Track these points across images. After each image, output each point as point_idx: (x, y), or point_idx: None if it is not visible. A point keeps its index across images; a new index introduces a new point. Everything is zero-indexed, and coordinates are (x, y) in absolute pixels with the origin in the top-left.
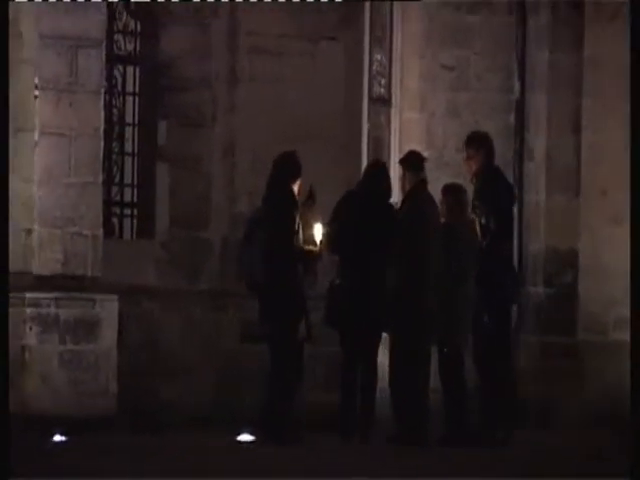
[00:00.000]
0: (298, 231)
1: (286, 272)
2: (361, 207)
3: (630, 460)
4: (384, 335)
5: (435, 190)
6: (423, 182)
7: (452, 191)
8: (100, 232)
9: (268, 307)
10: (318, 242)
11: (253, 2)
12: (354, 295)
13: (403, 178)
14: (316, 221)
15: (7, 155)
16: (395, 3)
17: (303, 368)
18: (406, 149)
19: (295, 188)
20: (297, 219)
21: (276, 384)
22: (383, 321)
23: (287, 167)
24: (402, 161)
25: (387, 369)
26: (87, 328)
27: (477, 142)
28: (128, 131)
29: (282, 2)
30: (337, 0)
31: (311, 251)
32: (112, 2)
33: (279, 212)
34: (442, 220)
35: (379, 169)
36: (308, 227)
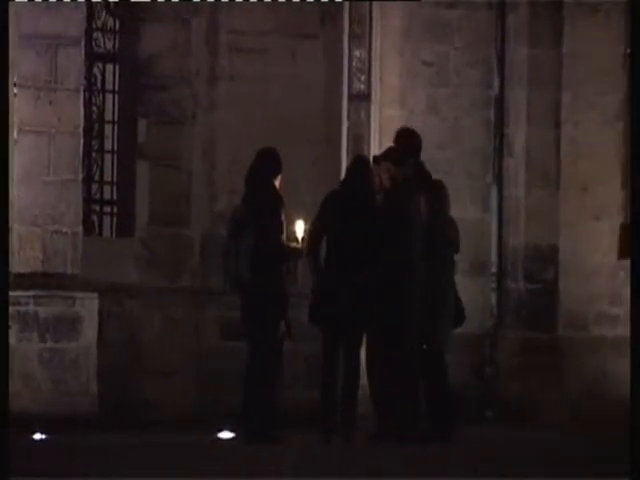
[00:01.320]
0: (283, 228)
1: (272, 270)
2: (345, 206)
3: (630, 460)
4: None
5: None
6: (405, 179)
7: (432, 188)
8: (80, 230)
9: (252, 305)
10: (300, 239)
11: (233, 1)
12: (337, 293)
13: (384, 174)
14: (298, 218)
15: (7, 155)
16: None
17: (282, 366)
18: (386, 145)
19: (276, 184)
20: (282, 216)
21: (256, 382)
22: (366, 320)
23: (268, 163)
24: (383, 157)
25: (365, 366)
26: (67, 326)
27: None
28: (108, 129)
29: (263, 1)
30: None
31: (295, 248)
32: (91, 0)
33: (265, 210)
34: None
35: (362, 166)
36: (290, 224)
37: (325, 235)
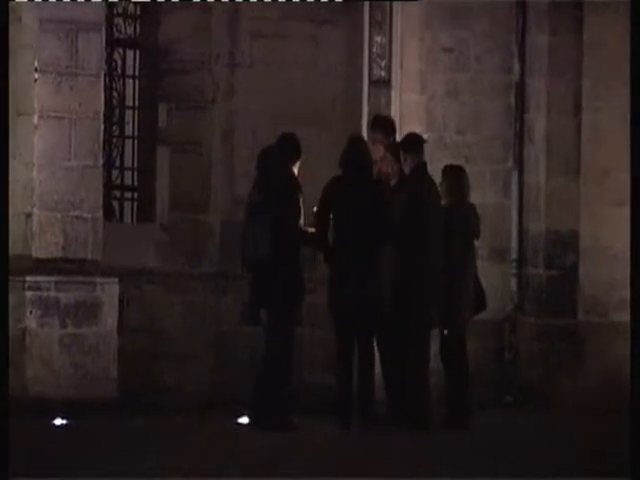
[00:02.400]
0: (300, 213)
1: (290, 255)
2: (350, 192)
3: (630, 460)
4: None
5: (435, 172)
6: (423, 165)
7: (452, 173)
8: (100, 215)
9: (269, 289)
10: None
11: None
12: (349, 281)
13: (403, 160)
14: (316, 203)
15: (7, 139)
16: None
17: (293, 350)
18: (406, 131)
19: (295, 170)
20: (300, 202)
21: (272, 367)
22: (379, 307)
23: (288, 149)
24: (402, 143)
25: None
26: (88, 311)
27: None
28: (128, 114)
29: None
30: None
31: (313, 234)
32: None
33: (284, 195)
34: (442, 202)
35: (359, 146)
36: (309, 209)
37: (333, 223)
